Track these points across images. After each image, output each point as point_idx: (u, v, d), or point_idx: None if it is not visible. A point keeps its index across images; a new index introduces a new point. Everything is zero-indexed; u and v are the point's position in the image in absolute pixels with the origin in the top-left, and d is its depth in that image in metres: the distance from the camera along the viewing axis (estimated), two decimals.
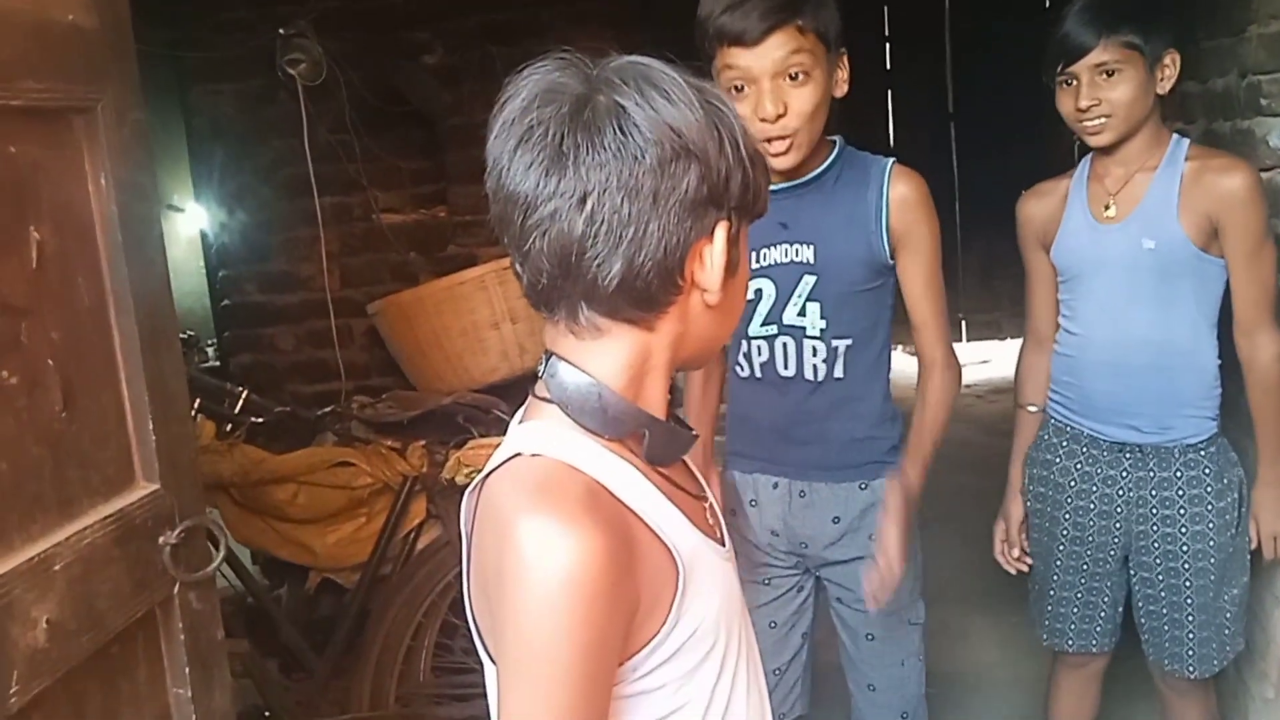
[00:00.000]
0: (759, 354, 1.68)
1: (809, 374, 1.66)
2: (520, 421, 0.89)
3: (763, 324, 1.66)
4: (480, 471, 0.85)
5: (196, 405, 2.53)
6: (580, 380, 0.83)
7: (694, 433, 0.92)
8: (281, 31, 3.39)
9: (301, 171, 3.48)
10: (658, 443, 0.86)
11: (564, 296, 0.82)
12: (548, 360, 0.85)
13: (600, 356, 0.84)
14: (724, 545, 0.92)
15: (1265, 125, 1.96)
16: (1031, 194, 1.95)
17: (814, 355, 1.65)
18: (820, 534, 1.73)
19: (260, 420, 2.94)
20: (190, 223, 4.18)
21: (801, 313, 1.64)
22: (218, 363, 3.93)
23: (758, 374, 1.70)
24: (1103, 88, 1.73)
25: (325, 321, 3.61)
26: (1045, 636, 2.04)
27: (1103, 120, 1.74)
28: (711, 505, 0.95)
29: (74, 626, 1.09)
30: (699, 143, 0.79)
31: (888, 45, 6.28)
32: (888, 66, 6.29)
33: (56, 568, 1.08)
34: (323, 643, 2.74)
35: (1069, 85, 1.76)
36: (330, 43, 3.40)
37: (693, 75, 0.82)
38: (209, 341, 4.10)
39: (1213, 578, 1.85)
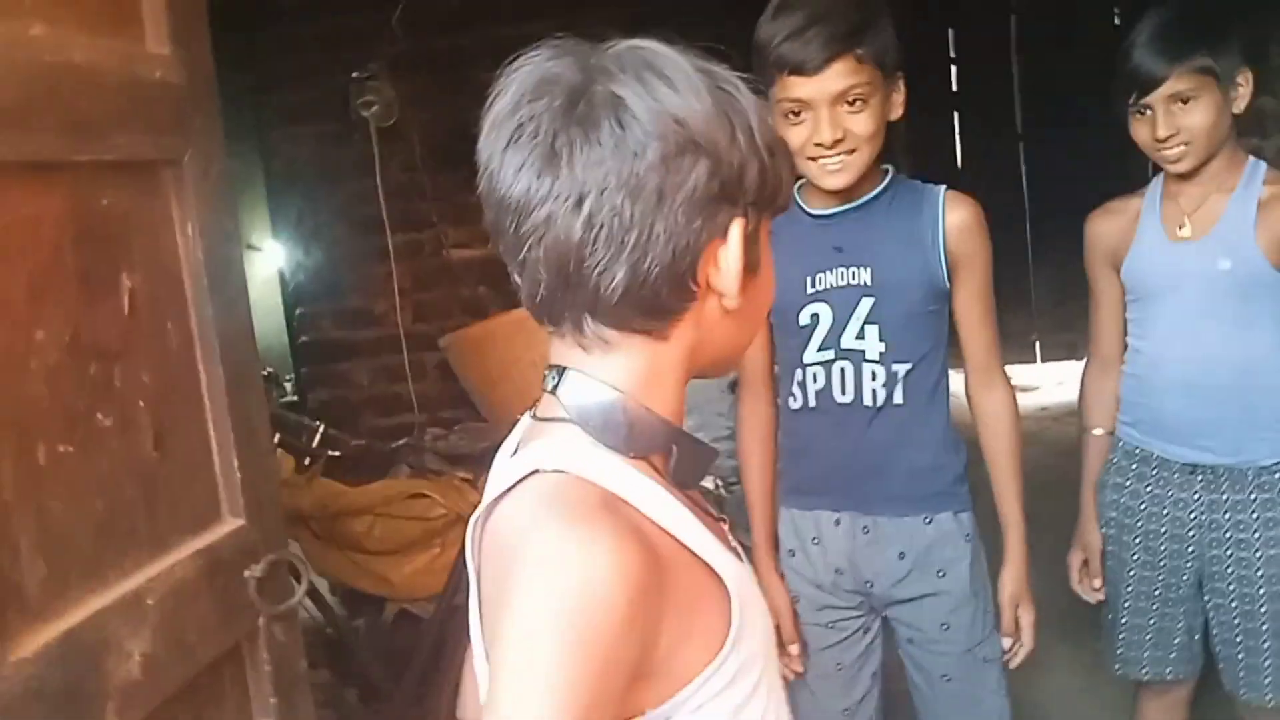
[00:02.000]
0: (814, 381, 1.65)
1: (867, 399, 1.62)
2: (515, 452, 0.80)
3: (819, 349, 1.64)
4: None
5: (276, 440, 2.60)
6: (601, 393, 0.76)
7: (715, 450, 0.84)
8: (355, 75, 3.50)
9: (374, 210, 3.58)
10: (685, 460, 0.79)
11: (566, 307, 0.75)
12: (559, 375, 0.78)
13: (611, 370, 0.76)
14: (747, 566, 0.85)
15: None
16: (1101, 212, 1.92)
17: (873, 380, 1.62)
18: (886, 571, 1.69)
19: (337, 454, 3.02)
20: (269, 262, 4.31)
21: (860, 335, 1.62)
22: (295, 398, 4.03)
23: (812, 403, 1.66)
24: (1179, 116, 1.70)
25: (399, 356, 3.70)
26: (1118, 666, 1.99)
27: (1182, 148, 1.72)
28: (728, 529, 0.88)
29: (166, 659, 1.14)
30: (707, 134, 0.71)
31: (953, 67, 6.23)
32: (954, 89, 6.24)
33: (149, 602, 1.12)
34: (400, 672, 2.78)
35: (1143, 115, 1.73)
36: (401, 85, 3.50)
37: (702, 58, 0.75)
38: (287, 377, 4.21)
39: None
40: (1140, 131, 1.75)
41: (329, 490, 2.86)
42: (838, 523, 1.69)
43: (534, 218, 0.71)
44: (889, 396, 1.62)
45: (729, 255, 0.74)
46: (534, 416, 0.81)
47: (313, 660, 2.32)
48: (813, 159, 1.54)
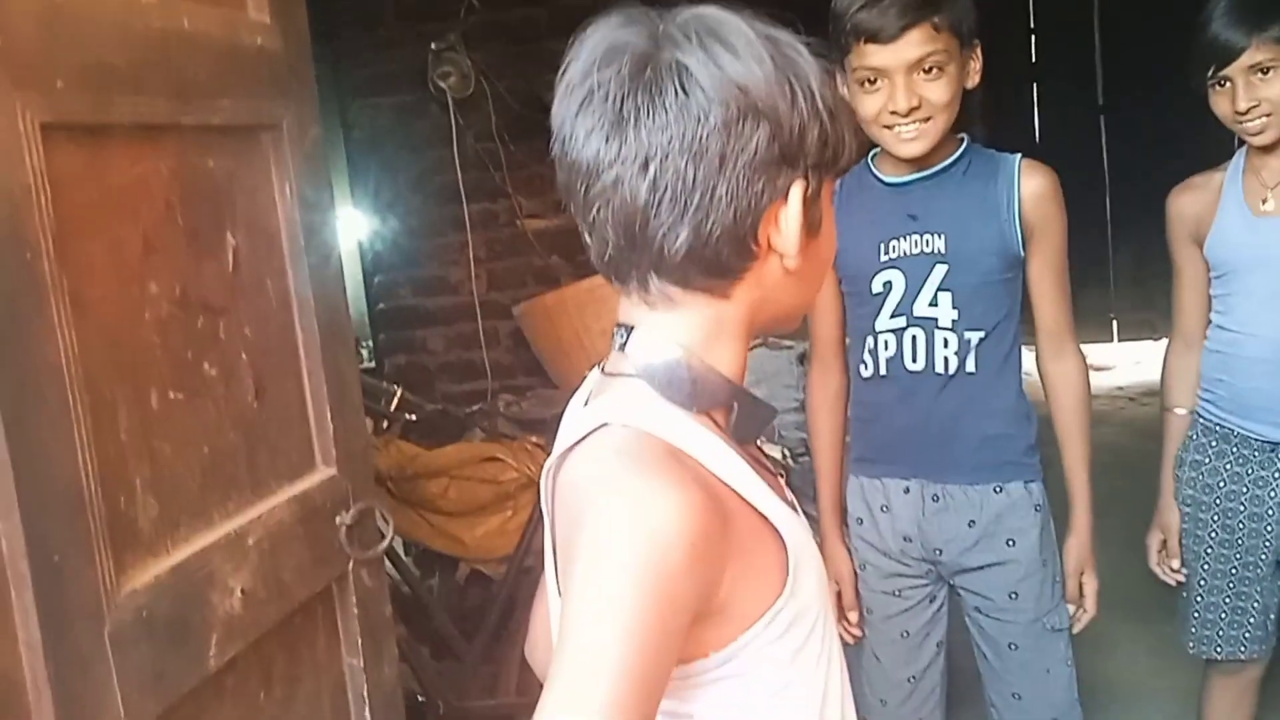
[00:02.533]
0: (885, 349, 1.65)
1: (939, 367, 1.63)
2: (587, 402, 0.84)
3: (891, 316, 1.64)
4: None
5: None
6: (667, 350, 0.79)
7: (773, 408, 0.88)
8: (433, 46, 3.56)
9: (451, 180, 3.65)
10: (745, 415, 0.82)
11: (633, 266, 0.78)
12: (627, 333, 0.81)
13: (676, 328, 0.80)
14: (803, 519, 0.89)
15: None
16: (1183, 188, 1.89)
17: (945, 347, 1.62)
18: (955, 539, 1.69)
19: (414, 418, 3.10)
20: (348, 230, 4.41)
21: (933, 303, 1.62)
22: (373, 364, 4.14)
23: (883, 371, 1.66)
24: (1259, 87, 1.68)
25: (473, 324, 3.77)
26: (1191, 644, 1.98)
27: (1264, 120, 1.70)
28: (783, 483, 0.91)
29: (264, 596, 1.20)
30: (767, 100, 0.73)
31: (1033, 37, 6.10)
32: (1033, 59, 6.12)
33: (250, 542, 1.19)
34: (472, 631, 2.85)
35: (1222, 87, 1.72)
36: (478, 55, 3.55)
37: (767, 24, 0.77)
38: (365, 343, 4.31)
39: None
40: (1220, 104, 1.74)
41: (406, 452, 2.94)
42: (907, 490, 1.70)
43: (603, 180, 0.75)
44: (961, 364, 1.63)
45: (789, 217, 0.77)
46: (603, 371, 0.85)
47: None
48: (888, 127, 1.55)
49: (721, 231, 0.75)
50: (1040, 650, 1.72)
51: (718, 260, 0.77)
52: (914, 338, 1.63)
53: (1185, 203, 1.88)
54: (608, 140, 0.74)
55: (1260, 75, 1.67)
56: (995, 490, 1.67)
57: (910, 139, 1.56)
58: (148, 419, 1.08)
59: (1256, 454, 1.84)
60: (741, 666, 0.79)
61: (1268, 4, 1.67)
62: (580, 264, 3.74)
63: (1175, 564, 1.97)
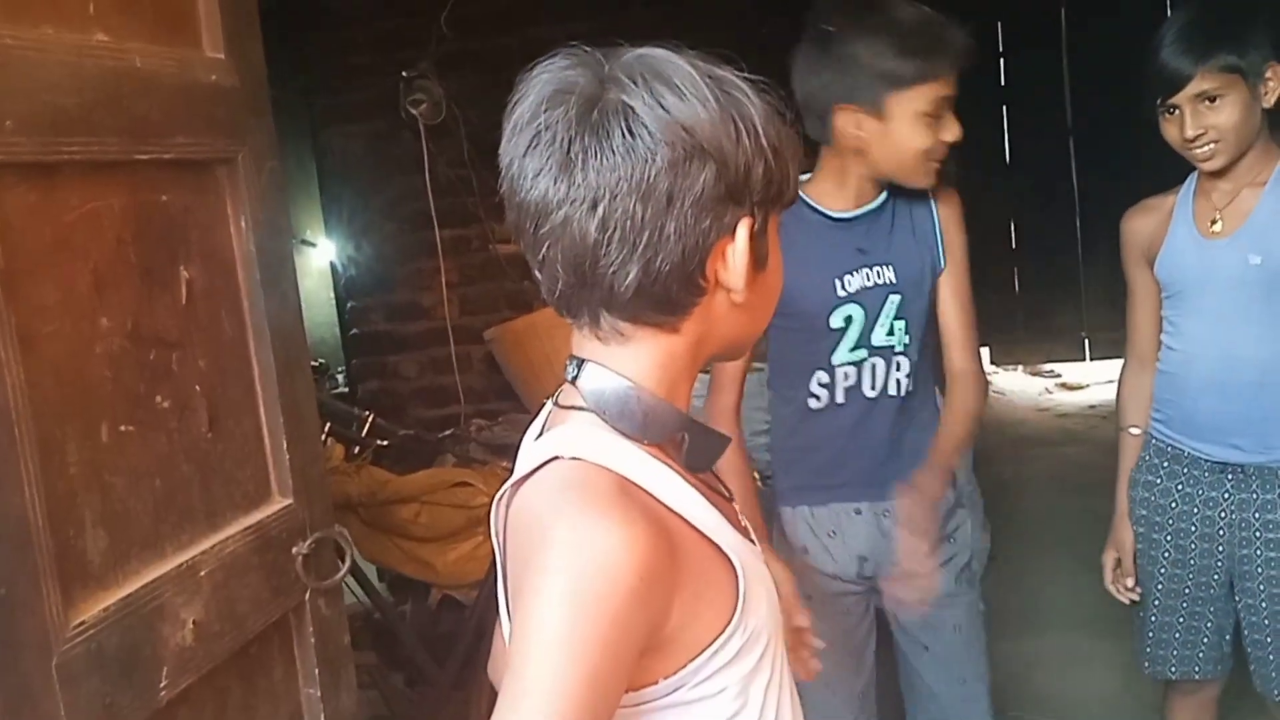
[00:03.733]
0: (845, 379, 1.69)
1: (892, 390, 1.69)
2: (539, 436, 0.85)
3: (852, 349, 1.68)
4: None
5: (327, 429, 2.68)
6: (617, 383, 0.80)
7: (727, 436, 0.88)
8: (405, 74, 3.59)
9: (423, 206, 3.66)
10: (697, 446, 0.84)
11: (584, 303, 0.79)
12: (579, 366, 0.82)
13: (626, 360, 0.81)
14: (755, 545, 0.90)
15: None
16: (1136, 210, 1.93)
17: (898, 371, 1.68)
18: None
19: (385, 443, 3.10)
20: (321, 257, 4.42)
21: (890, 332, 1.68)
22: (346, 389, 4.13)
23: (839, 400, 1.70)
24: (1207, 115, 1.70)
25: (446, 349, 3.78)
26: (1147, 664, 1.99)
27: (1211, 147, 1.72)
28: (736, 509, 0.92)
29: (217, 628, 1.21)
30: (713, 139, 0.75)
31: (1001, 60, 6.18)
32: (1002, 82, 6.20)
33: (202, 573, 1.19)
34: (444, 656, 2.85)
35: (1171, 114, 1.74)
36: (450, 84, 3.58)
37: (710, 63, 0.78)
38: (339, 369, 4.31)
39: None
40: (1170, 131, 1.76)
41: (377, 478, 2.94)
42: (858, 512, 1.74)
43: (551, 220, 0.76)
44: (907, 388, 1.69)
45: (736, 253, 0.78)
46: (556, 404, 0.85)
47: (359, 643, 2.40)
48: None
49: (670, 268, 0.76)
50: (976, 629, 1.80)
51: (667, 297, 0.78)
52: (873, 366, 1.69)
53: (1138, 224, 1.91)
54: (556, 181, 0.75)
55: (1207, 103, 1.69)
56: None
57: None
58: (98, 452, 1.09)
59: (1206, 474, 1.85)
60: (692, 693, 0.79)
61: (1214, 33, 1.69)
62: None
63: (1130, 583, 1.99)
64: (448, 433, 3.34)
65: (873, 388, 1.69)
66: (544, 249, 0.77)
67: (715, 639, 0.79)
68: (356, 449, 3.01)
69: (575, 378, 0.83)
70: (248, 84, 1.35)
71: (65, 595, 1.01)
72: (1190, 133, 1.71)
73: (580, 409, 0.82)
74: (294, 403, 1.39)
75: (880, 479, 1.70)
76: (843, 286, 1.67)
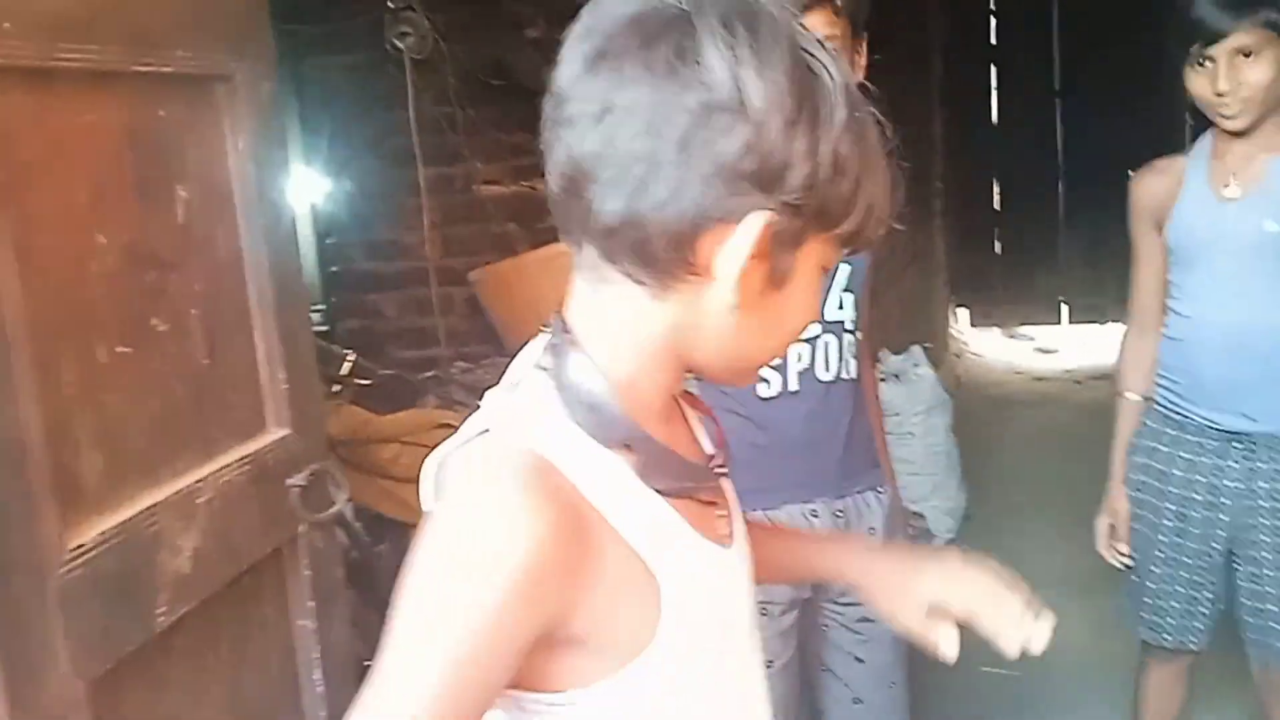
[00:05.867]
0: (799, 361, 1.51)
1: (845, 373, 1.54)
2: (516, 385, 0.75)
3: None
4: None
5: None
6: (593, 381, 0.72)
7: (711, 468, 0.80)
8: (390, 5, 3.49)
9: (406, 143, 3.58)
10: (653, 465, 0.73)
11: (571, 218, 0.71)
12: (560, 330, 0.74)
13: (601, 315, 0.73)
14: (729, 546, 0.82)
15: None
16: (1147, 171, 1.88)
17: (849, 351, 1.54)
18: None
19: (366, 383, 3.07)
20: (300, 192, 4.34)
21: (840, 305, 1.54)
22: (325, 328, 4.08)
23: (792, 386, 1.52)
24: (1241, 70, 1.65)
25: (427, 289, 3.72)
26: (1142, 630, 1.98)
27: (1242, 103, 1.67)
28: (730, 512, 0.84)
29: (213, 556, 1.19)
30: (761, 109, 0.65)
31: (992, 19, 6.15)
32: (993, 41, 6.16)
33: (199, 501, 1.17)
34: None
35: (1202, 66, 1.68)
36: (437, 17, 3.49)
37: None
38: (317, 307, 4.25)
39: None
40: (1198, 84, 1.70)
41: (358, 418, 2.91)
42: (814, 514, 1.56)
43: (561, 113, 0.69)
44: (854, 369, 1.56)
45: (737, 244, 0.67)
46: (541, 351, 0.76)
47: None
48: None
49: (658, 220, 0.67)
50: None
51: (647, 249, 0.68)
52: (827, 345, 1.53)
53: (1148, 186, 1.86)
54: (581, 72, 0.67)
55: (1243, 58, 1.64)
56: (879, 493, 1.62)
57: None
58: (94, 373, 1.06)
59: (1214, 442, 1.82)
60: (607, 709, 0.73)
61: None
62: (538, 232, 3.71)
63: (1123, 548, 1.99)
64: (429, 374, 3.31)
65: (827, 369, 1.53)
66: (552, 143, 0.70)
67: (639, 655, 0.72)
68: (337, 388, 2.98)
69: (553, 339, 0.74)
70: (247, 1, 1.30)
71: (63, 517, 0.99)
72: (1223, 86, 1.65)
73: (546, 377, 0.73)
74: (291, 332, 1.36)
75: (834, 475, 1.56)
76: None
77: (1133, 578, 1.99)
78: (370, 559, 2.89)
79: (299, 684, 1.40)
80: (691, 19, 0.66)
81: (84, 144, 1.06)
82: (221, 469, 1.22)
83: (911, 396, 3.67)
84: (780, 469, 1.53)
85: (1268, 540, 1.81)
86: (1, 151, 0.93)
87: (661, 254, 0.68)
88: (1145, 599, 1.96)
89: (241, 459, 1.26)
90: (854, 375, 1.56)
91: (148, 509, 1.10)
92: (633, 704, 0.73)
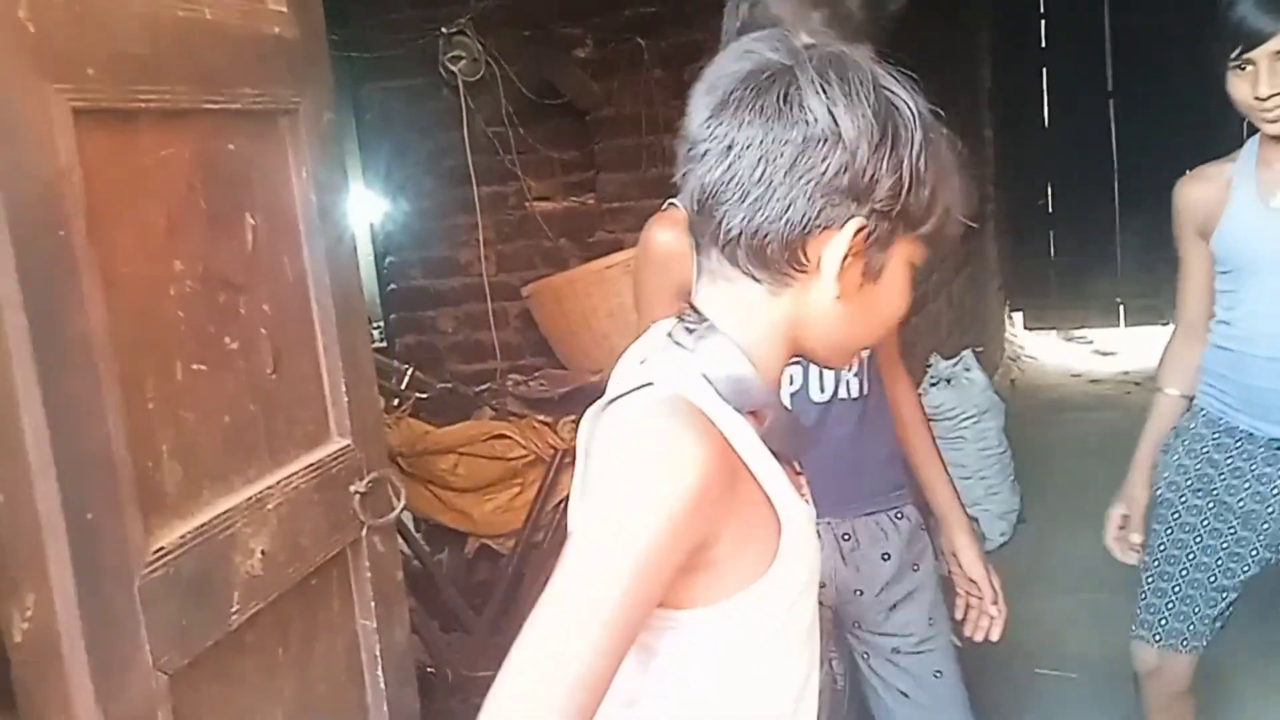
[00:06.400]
0: (790, 383, 1.50)
1: (843, 392, 1.52)
2: (643, 360, 0.90)
3: None
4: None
5: None
6: (723, 344, 0.86)
7: (810, 434, 0.94)
8: (443, 31, 3.60)
9: (461, 163, 3.69)
10: (777, 428, 0.88)
11: (701, 234, 0.87)
12: (696, 312, 0.88)
13: (725, 305, 0.87)
14: (812, 510, 0.96)
15: None
16: (1192, 178, 1.85)
17: (849, 370, 1.52)
18: (874, 577, 1.57)
19: (424, 396, 3.17)
20: (360, 213, 4.47)
21: None
22: (384, 343, 4.19)
23: (785, 407, 1.52)
24: None
25: (482, 304, 3.82)
26: (1159, 637, 1.94)
27: None
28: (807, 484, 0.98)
29: (283, 558, 1.27)
30: (853, 136, 0.80)
31: (1043, 22, 6.11)
32: (1043, 44, 6.12)
33: (269, 507, 1.25)
34: (481, 604, 2.92)
35: (1244, 70, 1.66)
36: (489, 40, 3.59)
37: (897, 82, 0.84)
38: (377, 323, 4.37)
39: None
40: (1240, 88, 1.68)
41: (416, 429, 3.00)
42: (816, 534, 1.58)
43: (694, 151, 0.84)
44: (860, 386, 1.54)
45: (837, 245, 0.82)
46: (670, 336, 0.90)
47: None
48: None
49: (772, 230, 0.82)
50: (955, 674, 1.62)
51: (764, 253, 0.83)
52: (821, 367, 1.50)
53: (1193, 194, 1.84)
54: (709, 118, 0.83)
55: None
56: (897, 517, 1.59)
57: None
58: (173, 389, 1.14)
59: (1262, 450, 1.80)
60: (713, 630, 0.85)
61: None
62: (588, 246, 3.79)
63: (1136, 538, 1.96)
64: (485, 387, 3.40)
65: (822, 390, 1.51)
66: (685, 175, 0.86)
67: (752, 584, 0.85)
68: (396, 401, 3.08)
69: (690, 322, 0.88)
70: (308, 36, 1.39)
71: (146, 523, 1.07)
72: (1265, 90, 1.63)
73: (687, 350, 0.87)
74: (352, 348, 1.44)
75: (840, 495, 1.51)
76: None
77: (1150, 581, 1.95)
78: (429, 567, 2.98)
79: (362, 682, 1.47)
80: (794, 70, 0.82)
81: (160, 178, 1.15)
82: (289, 476, 1.30)
83: (963, 400, 3.67)
84: None
85: None
86: (88, 187, 1.02)
87: (776, 257, 0.83)
88: (1167, 603, 1.92)
89: (307, 467, 1.34)
90: (856, 394, 1.53)
91: (222, 514, 1.18)
92: (728, 631, 0.86)
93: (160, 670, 1.08)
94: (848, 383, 1.52)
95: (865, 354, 1.53)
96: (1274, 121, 1.67)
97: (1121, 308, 6.29)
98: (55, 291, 0.98)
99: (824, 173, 0.81)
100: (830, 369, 0.99)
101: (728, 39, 1.35)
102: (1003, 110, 5.82)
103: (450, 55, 3.63)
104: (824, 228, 0.82)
